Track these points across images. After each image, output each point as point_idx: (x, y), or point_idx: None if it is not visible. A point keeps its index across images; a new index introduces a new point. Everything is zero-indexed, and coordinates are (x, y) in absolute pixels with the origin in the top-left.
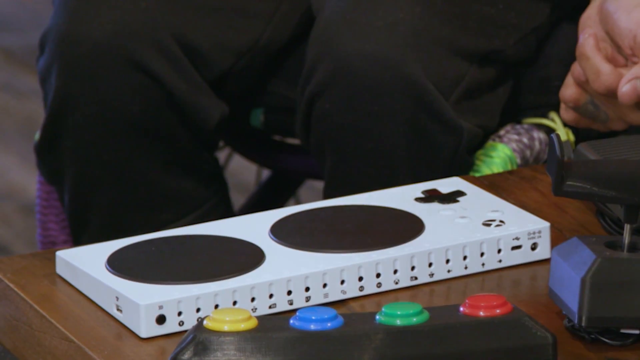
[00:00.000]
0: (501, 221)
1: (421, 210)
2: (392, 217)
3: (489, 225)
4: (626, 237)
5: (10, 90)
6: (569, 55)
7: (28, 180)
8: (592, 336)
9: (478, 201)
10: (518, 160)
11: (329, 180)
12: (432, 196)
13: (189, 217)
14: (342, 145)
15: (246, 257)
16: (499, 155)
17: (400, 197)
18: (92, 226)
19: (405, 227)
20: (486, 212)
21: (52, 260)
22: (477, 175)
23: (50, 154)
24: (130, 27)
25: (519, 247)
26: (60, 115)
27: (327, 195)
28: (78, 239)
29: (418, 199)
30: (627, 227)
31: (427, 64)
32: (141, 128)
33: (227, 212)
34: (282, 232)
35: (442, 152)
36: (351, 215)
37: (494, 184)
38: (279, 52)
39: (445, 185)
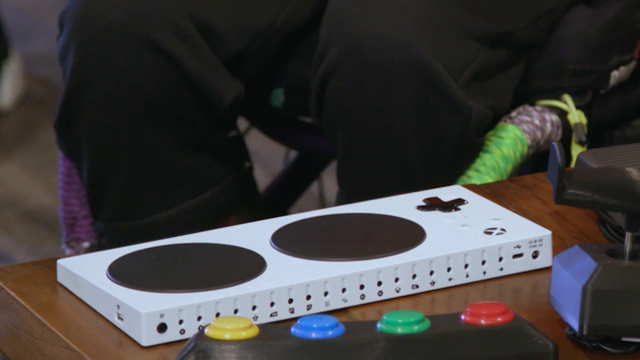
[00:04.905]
0: (502, 229)
1: (422, 219)
2: (394, 225)
3: (490, 233)
4: (627, 245)
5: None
6: (582, 39)
7: (29, 188)
8: (593, 344)
9: (479, 209)
10: (529, 142)
11: (341, 159)
12: (433, 204)
13: (204, 195)
14: (353, 123)
15: (247, 266)
16: (509, 136)
17: (401, 205)
18: (109, 202)
19: (406, 235)
20: (487, 220)
21: (53, 268)
22: (485, 155)
23: (68, 131)
24: (145, 7)
25: (520, 255)
26: (77, 93)
27: (340, 175)
28: (96, 214)
29: (419, 207)
30: (628, 235)
31: (436, 45)
32: (156, 107)
33: (245, 191)
34: (284, 240)
35: (450, 132)
36: (352, 224)
37: (495, 192)
38: (297, 33)
39: (447, 193)
